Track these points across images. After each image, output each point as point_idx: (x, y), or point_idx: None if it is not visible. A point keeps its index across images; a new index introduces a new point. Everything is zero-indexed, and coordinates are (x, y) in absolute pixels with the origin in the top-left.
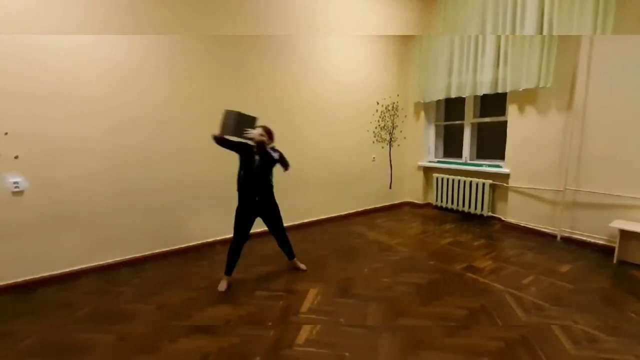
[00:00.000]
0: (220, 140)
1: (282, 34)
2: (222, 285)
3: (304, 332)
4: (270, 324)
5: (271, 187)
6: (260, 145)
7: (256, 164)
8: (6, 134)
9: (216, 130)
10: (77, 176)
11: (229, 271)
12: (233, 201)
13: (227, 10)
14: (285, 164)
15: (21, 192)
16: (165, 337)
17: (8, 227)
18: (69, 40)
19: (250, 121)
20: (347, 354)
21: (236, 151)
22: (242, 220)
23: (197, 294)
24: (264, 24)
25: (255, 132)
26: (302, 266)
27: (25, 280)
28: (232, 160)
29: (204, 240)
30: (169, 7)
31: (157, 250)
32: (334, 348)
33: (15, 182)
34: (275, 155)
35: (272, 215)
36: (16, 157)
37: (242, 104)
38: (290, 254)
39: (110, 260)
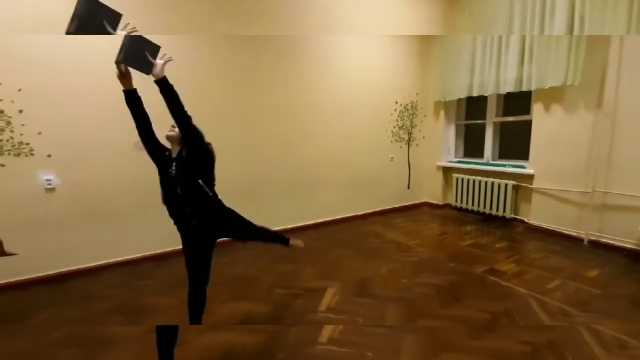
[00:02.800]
0: (131, 100)
1: (302, 34)
2: None
3: (326, 331)
4: (288, 321)
5: (208, 199)
6: (163, 83)
7: (173, 174)
8: (40, 133)
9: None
10: (105, 174)
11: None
12: (252, 200)
13: (247, 11)
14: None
15: (53, 189)
16: (190, 331)
17: (41, 222)
18: (98, 41)
19: (153, 49)
20: (369, 353)
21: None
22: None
23: (217, 290)
24: (284, 24)
25: (160, 62)
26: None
27: (54, 273)
28: (251, 160)
29: (224, 237)
30: (193, 7)
31: (178, 247)
32: (356, 347)
33: (47, 180)
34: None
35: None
36: (49, 156)
37: (261, 103)
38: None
39: (133, 256)
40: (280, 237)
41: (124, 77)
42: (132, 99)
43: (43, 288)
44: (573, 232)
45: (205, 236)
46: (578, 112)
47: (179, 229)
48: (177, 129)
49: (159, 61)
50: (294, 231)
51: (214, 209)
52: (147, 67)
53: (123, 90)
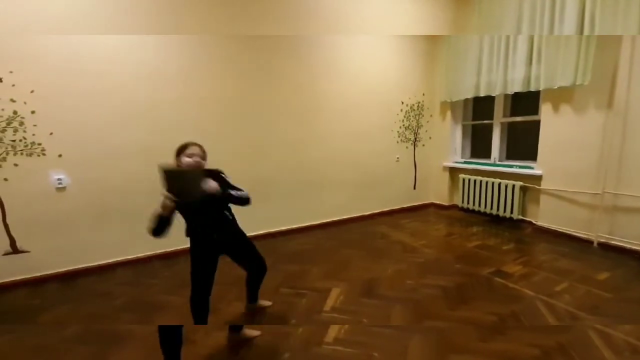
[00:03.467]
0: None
1: (309, 34)
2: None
3: (332, 331)
4: (294, 321)
5: (231, 223)
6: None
7: (199, 206)
8: (51, 134)
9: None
10: (114, 174)
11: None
12: (260, 200)
13: (254, 11)
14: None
15: (64, 188)
16: (199, 329)
17: (52, 220)
18: (109, 44)
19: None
20: (375, 354)
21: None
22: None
23: (224, 289)
24: (290, 25)
25: (213, 184)
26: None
27: (67, 270)
28: (258, 160)
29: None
30: (202, 8)
31: (184, 246)
32: (362, 347)
33: (58, 179)
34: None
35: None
36: (60, 156)
37: (268, 104)
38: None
39: (141, 254)
40: (255, 294)
41: (173, 205)
42: (167, 221)
43: (55, 285)
44: (582, 234)
45: (222, 251)
46: (588, 112)
47: (199, 246)
48: (195, 160)
49: (210, 184)
50: (302, 231)
51: (235, 230)
52: (198, 194)
53: (161, 215)
